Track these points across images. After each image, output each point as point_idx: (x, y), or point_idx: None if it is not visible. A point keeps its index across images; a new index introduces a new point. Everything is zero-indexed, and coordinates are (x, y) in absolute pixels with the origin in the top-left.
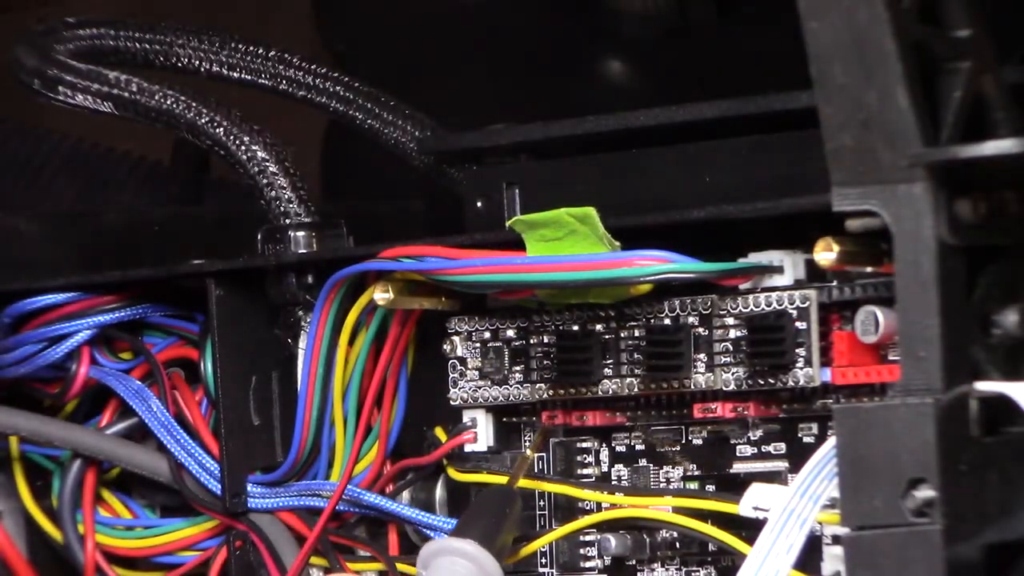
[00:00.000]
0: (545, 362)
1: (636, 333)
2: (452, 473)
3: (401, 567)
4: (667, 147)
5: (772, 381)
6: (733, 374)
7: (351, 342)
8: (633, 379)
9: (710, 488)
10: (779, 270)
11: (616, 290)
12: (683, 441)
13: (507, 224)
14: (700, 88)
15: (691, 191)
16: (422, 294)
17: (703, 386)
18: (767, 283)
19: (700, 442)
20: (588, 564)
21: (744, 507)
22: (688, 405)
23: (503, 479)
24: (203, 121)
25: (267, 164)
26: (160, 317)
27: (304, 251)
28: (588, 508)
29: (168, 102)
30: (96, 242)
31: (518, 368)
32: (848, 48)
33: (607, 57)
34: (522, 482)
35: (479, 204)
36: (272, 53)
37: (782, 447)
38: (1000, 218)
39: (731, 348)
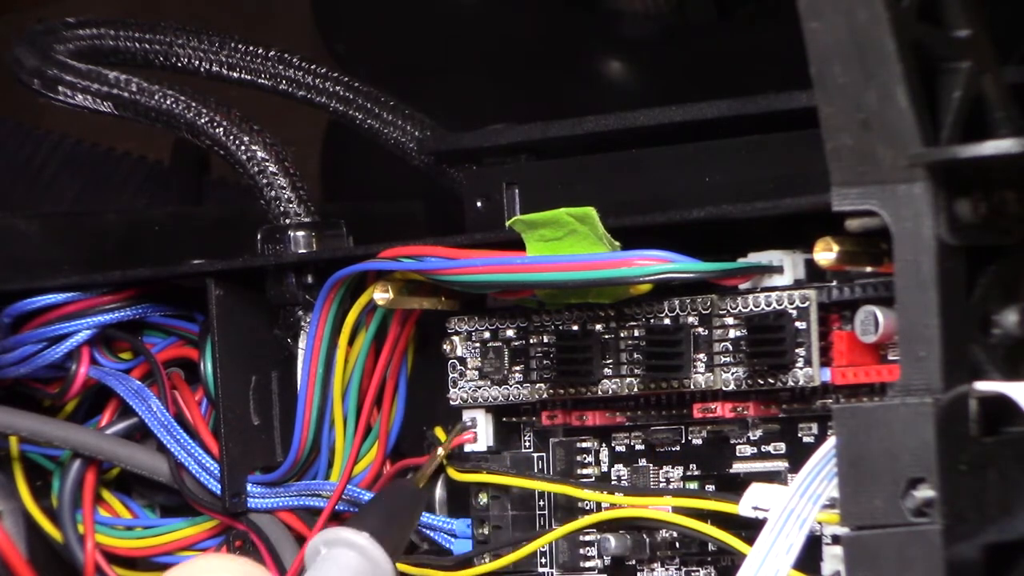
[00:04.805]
0: (545, 362)
1: (636, 333)
2: (452, 473)
3: (401, 567)
4: (667, 147)
5: (772, 381)
6: (733, 374)
7: (351, 342)
8: (633, 379)
9: (710, 488)
10: (779, 270)
11: (616, 290)
12: (683, 441)
13: (507, 224)
14: (700, 88)
15: (691, 191)
16: (422, 294)
17: (703, 386)
18: (767, 283)
19: (700, 442)
20: (588, 564)
21: (744, 507)
22: (688, 405)
23: (502, 479)
24: (203, 121)
25: (267, 164)
26: (160, 317)
27: (304, 251)
28: (588, 508)
29: (168, 102)
30: (96, 242)
31: (518, 368)
32: (848, 48)
33: (607, 57)
34: (522, 482)
35: (479, 204)
36: (272, 53)
37: (782, 447)
38: (1000, 218)
39: (731, 348)
